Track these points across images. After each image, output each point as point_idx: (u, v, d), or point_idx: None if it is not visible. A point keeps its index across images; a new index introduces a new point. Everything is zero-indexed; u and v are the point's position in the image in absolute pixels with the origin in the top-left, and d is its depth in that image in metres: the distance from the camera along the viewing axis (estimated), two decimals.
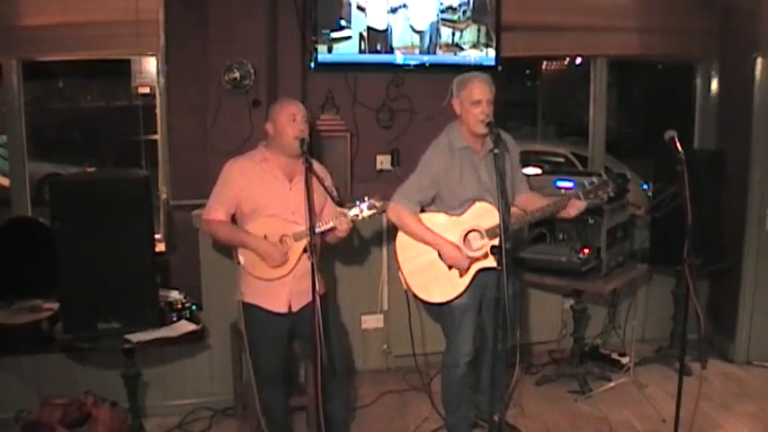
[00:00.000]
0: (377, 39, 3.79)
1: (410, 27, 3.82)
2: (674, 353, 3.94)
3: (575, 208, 2.85)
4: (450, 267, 2.88)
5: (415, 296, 2.96)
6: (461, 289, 2.89)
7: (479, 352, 3.11)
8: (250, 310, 2.81)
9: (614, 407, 3.57)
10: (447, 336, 3.05)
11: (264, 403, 2.92)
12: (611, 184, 2.86)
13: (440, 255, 2.87)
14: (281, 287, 2.78)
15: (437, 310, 3.07)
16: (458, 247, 2.83)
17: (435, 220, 2.90)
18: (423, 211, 2.94)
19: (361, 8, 3.72)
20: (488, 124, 2.71)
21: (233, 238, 2.79)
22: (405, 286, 2.97)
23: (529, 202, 3.01)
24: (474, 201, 2.86)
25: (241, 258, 2.77)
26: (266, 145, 2.86)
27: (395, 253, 2.98)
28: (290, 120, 2.75)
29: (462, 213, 2.87)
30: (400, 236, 2.94)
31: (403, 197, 2.89)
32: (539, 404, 3.63)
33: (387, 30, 3.79)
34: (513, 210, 3.03)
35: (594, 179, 2.87)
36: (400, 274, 2.96)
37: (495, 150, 2.53)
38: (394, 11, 3.77)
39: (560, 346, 4.12)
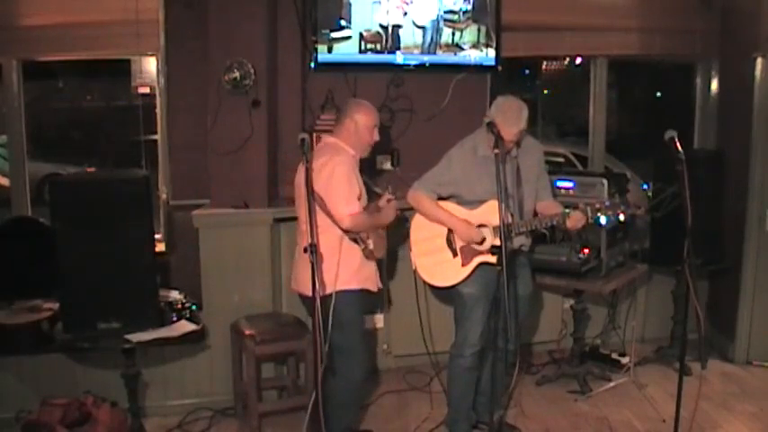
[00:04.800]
0: (390, 37, 3.80)
1: (412, 23, 3.82)
2: (674, 353, 3.95)
3: (575, 220, 2.92)
4: (458, 252, 2.99)
5: (421, 278, 3.13)
6: (461, 278, 3.01)
7: (482, 351, 3.11)
8: (353, 296, 2.89)
9: (614, 407, 3.57)
10: (456, 323, 3.14)
11: (358, 397, 3.09)
12: (622, 206, 2.93)
13: (451, 234, 3.01)
14: (376, 267, 3.03)
15: (447, 295, 3.21)
16: (468, 223, 2.97)
17: (450, 210, 3.04)
18: (441, 200, 3.08)
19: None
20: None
21: (373, 222, 2.94)
22: (413, 266, 3.14)
23: (545, 210, 3.08)
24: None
25: (370, 243, 2.91)
26: (342, 138, 2.94)
27: (409, 232, 3.16)
28: (373, 128, 2.97)
29: (474, 208, 2.99)
30: (416, 218, 3.12)
31: (421, 185, 3.06)
32: (539, 404, 3.63)
33: (398, 27, 3.81)
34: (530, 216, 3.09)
35: (607, 201, 2.98)
36: (411, 253, 3.13)
37: (496, 151, 2.65)
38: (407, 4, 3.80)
39: (560, 346, 4.12)
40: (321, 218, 2.81)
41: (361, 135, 2.94)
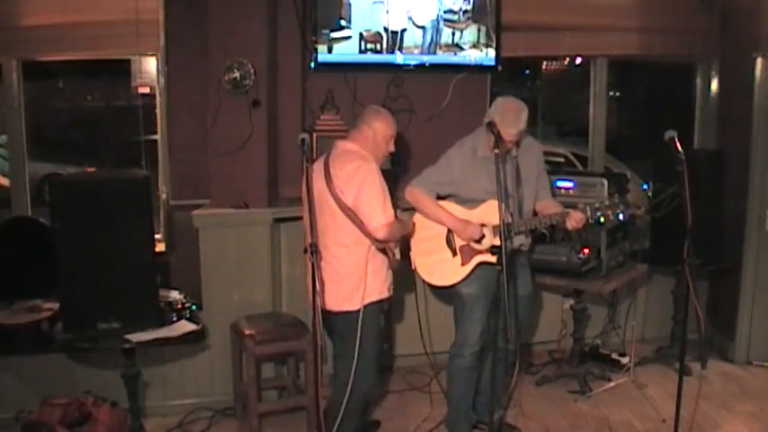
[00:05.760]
0: (393, 40, 3.81)
1: (412, 23, 3.82)
2: (674, 353, 3.95)
3: (575, 220, 2.92)
4: (458, 252, 2.99)
5: (421, 278, 3.13)
6: (460, 277, 3.00)
7: (482, 351, 3.12)
8: (377, 306, 2.85)
9: (614, 407, 3.57)
10: (456, 323, 3.13)
11: (365, 399, 3.01)
12: (622, 206, 2.93)
13: (451, 234, 3.00)
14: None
15: (447, 294, 3.20)
16: (467, 221, 2.94)
17: (449, 209, 3.03)
18: (440, 198, 3.06)
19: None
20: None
21: (402, 231, 2.89)
22: (413, 266, 3.12)
23: (545, 209, 3.09)
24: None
25: (397, 252, 2.88)
26: (359, 144, 2.85)
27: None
28: (390, 138, 2.91)
29: (474, 208, 2.98)
30: (415, 218, 3.10)
31: (420, 183, 3.04)
32: (539, 404, 3.63)
33: (402, 32, 3.81)
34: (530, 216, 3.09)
35: (607, 201, 2.98)
36: (410, 253, 3.11)
37: (496, 151, 2.65)
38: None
39: (560, 346, 4.12)
40: (349, 230, 2.74)
41: (378, 144, 2.86)
